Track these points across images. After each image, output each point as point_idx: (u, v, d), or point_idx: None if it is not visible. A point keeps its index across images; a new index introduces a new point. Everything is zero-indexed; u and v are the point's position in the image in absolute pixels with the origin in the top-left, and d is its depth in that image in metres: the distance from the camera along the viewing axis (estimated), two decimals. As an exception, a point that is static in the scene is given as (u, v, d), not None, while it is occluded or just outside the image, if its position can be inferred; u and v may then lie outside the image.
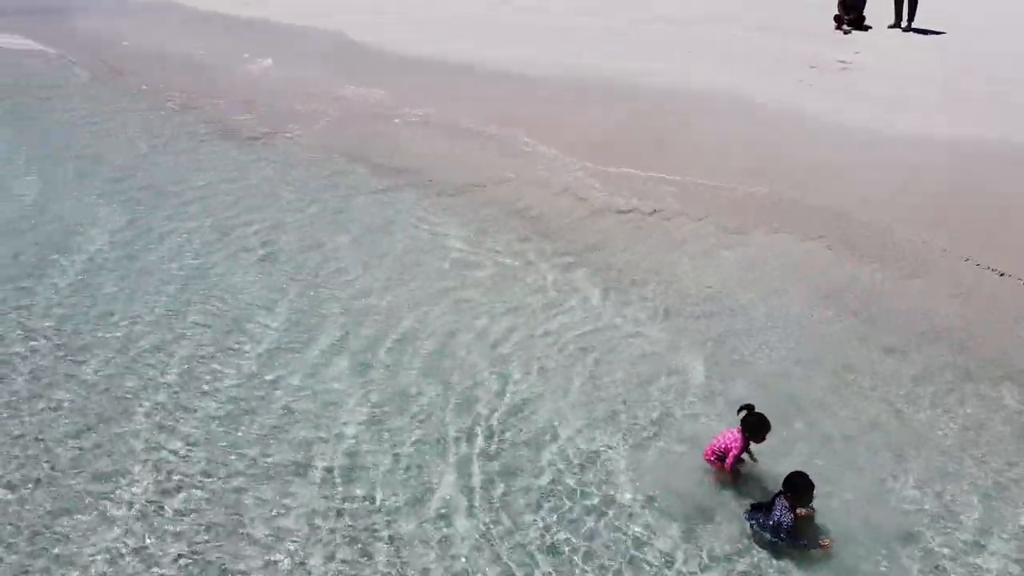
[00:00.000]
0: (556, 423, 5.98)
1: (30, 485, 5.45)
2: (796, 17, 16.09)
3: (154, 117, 12.36)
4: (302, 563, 4.91)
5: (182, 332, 7.05)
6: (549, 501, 5.31)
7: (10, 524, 5.15)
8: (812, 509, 4.93)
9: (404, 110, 12.22)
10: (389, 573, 4.84)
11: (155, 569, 4.87)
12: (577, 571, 4.84)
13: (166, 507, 5.26)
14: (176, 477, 5.50)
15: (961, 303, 7.27)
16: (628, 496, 5.34)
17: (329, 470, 5.56)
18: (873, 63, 13.40)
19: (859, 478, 5.45)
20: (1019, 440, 5.78)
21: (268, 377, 6.48)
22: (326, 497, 5.35)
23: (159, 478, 5.50)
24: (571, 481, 5.46)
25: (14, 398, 6.27)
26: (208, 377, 6.48)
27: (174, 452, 5.72)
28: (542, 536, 5.07)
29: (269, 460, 5.65)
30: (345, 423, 5.98)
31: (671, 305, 7.37)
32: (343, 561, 4.92)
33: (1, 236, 8.69)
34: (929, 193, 9.05)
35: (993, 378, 6.38)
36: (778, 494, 4.89)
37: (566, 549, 4.98)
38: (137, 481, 5.46)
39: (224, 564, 4.89)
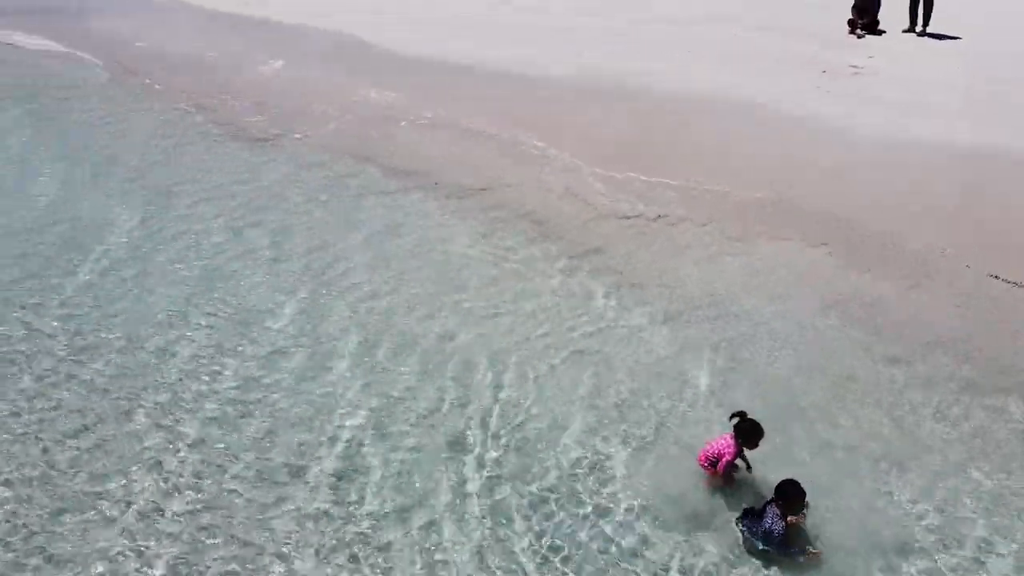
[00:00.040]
0: (554, 426, 5.97)
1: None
2: (810, 22, 15.97)
3: (169, 118, 12.48)
4: (290, 566, 4.92)
5: (185, 332, 7.09)
6: (542, 506, 5.29)
7: (7, 522, 5.22)
8: (803, 516, 4.89)
9: (411, 111, 12.24)
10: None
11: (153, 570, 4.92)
12: (566, 578, 4.83)
13: (164, 508, 5.31)
14: (177, 478, 5.53)
15: (967, 312, 7.18)
16: (622, 501, 5.32)
17: (329, 474, 5.56)
18: (887, 68, 13.27)
19: (859, 487, 5.40)
20: (1024, 452, 5.69)
21: (268, 379, 6.50)
22: (323, 500, 5.36)
23: (158, 478, 5.54)
24: (565, 486, 5.44)
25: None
26: (207, 377, 6.52)
27: (174, 451, 5.77)
28: (533, 543, 5.05)
29: (268, 463, 5.67)
30: (345, 426, 5.99)
31: (674, 310, 7.33)
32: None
33: (19, 233, 8.84)
34: (939, 200, 8.95)
35: (998, 389, 6.29)
36: (769, 501, 4.87)
37: (556, 556, 4.96)
38: (136, 481, 5.51)
39: (224, 566, 4.93)
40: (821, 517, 5.10)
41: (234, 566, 4.92)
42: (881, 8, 15.25)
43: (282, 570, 4.91)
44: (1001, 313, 7.16)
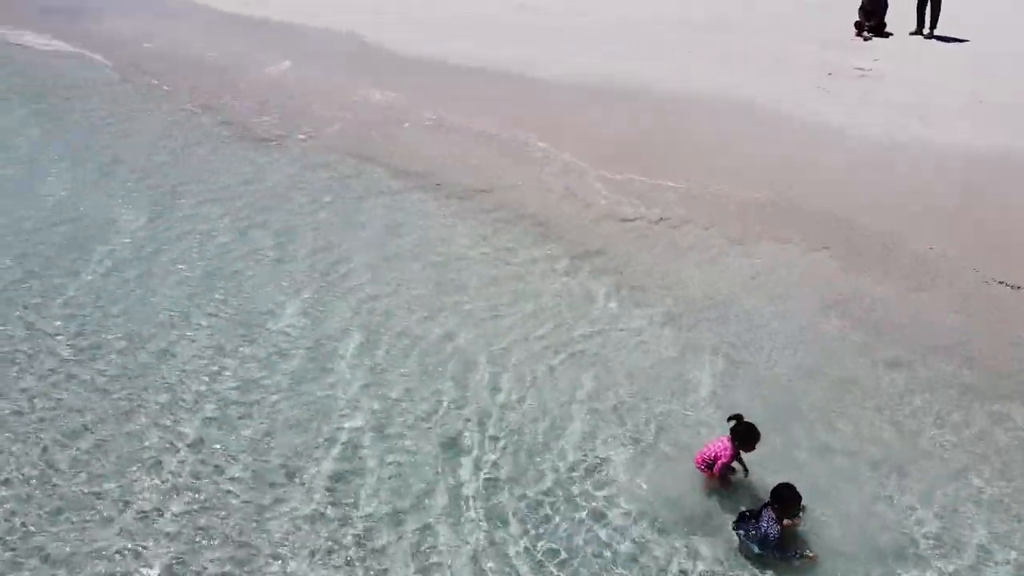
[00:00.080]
0: (553, 427, 5.98)
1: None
2: (817, 25, 15.89)
3: (176, 118, 12.54)
4: (284, 568, 4.93)
5: (188, 333, 7.12)
6: (539, 509, 5.29)
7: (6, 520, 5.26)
8: (799, 520, 4.87)
9: (412, 112, 12.24)
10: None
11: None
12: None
13: (163, 509, 5.33)
14: (178, 480, 5.56)
15: (969, 316, 7.15)
16: (619, 504, 5.33)
17: (326, 476, 5.58)
18: (893, 70, 13.20)
19: (858, 491, 5.39)
20: (1025, 458, 5.66)
21: (267, 381, 6.52)
22: (321, 502, 5.37)
23: (155, 478, 5.58)
24: (562, 488, 5.44)
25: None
26: (206, 379, 6.55)
27: (175, 451, 5.80)
28: (529, 545, 5.05)
29: (262, 466, 5.68)
30: (344, 428, 6.00)
31: (674, 311, 7.32)
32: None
33: (31, 232, 8.93)
34: (942, 203, 8.91)
35: (1000, 394, 6.26)
36: (765, 505, 4.86)
37: (553, 559, 4.96)
38: (136, 481, 5.55)
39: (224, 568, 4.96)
40: (819, 521, 5.10)
41: (232, 567, 4.94)
42: (888, 10, 15.17)
43: (283, 570, 4.93)
44: (1002, 316, 7.12)
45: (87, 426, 6.03)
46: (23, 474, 5.60)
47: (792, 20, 16.18)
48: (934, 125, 10.79)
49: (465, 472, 5.59)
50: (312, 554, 5.01)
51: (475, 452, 5.75)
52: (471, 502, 5.35)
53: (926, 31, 14.90)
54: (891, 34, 15.16)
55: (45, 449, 5.81)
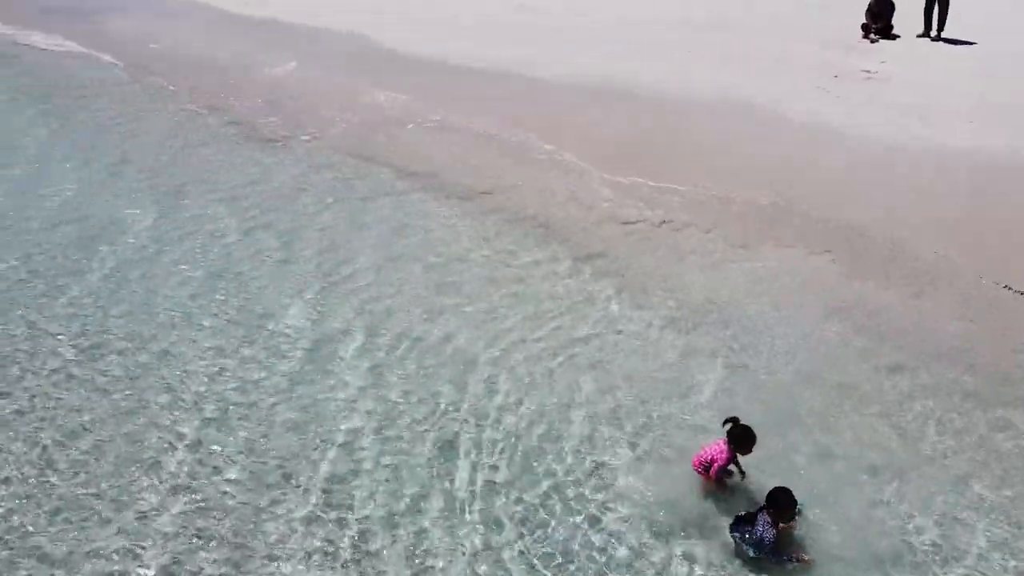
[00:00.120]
0: (551, 430, 5.96)
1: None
2: (817, 25, 15.83)
3: (182, 118, 12.60)
4: (281, 570, 4.94)
5: (189, 333, 7.15)
6: (536, 512, 5.28)
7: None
8: (795, 524, 4.86)
9: (414, 113, 12.25)
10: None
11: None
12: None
13: (161, 510, 5.35)
14: (176, 480, 5.58)
15: (972, 321, 7.09)
16: (616, 506, 5.32)
17: (326, 478, 5.58)
18: (900, 72, 13.13)
19: (857, 496, 5.36)
20: (1029, 465, 5.61)
21: (269, 381, 6.54)
22: (317, 505, 5.38)
23: (154, 479, 5.60)
24: (559, 491, 5.44)
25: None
26: (206, 380, 6.57)
27: (174, 450, 5.82)
28: (525, 548, 5.05)
29: (258, 468, 5.69)
30: (342, 430, 6.01)
31: (676, 315, 7.30)
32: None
33: (37, 231, 8.98)
34: (946, 206, 8.85)
35: (1003, 400, 6.21)
36: (760, 509, 4.84)
37: (549, 563, 4.95)
38: (135, 481, 5.57)
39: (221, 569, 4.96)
40: (817, 525, 5.07)
41: (229, 568, 4.96)
42: (895, 13, 15.09)
43: (279, 572, 4.94)
44: (1006, 321, 7.07)
45: (86, 426, 6.05)
46: (22, 473, 5.63)
47: (792, 20, 16.12)
48: (940, 128, 10.73)
49: (462, 475, 5.59)
50: (308, 556, 5.03)
51: (473, 455, 5.75)
52: (468, 505, 5.35)
53: (933, 34, 14.82)
54: (898, 36, 15.09)
55: (44, 449, 5.84)
